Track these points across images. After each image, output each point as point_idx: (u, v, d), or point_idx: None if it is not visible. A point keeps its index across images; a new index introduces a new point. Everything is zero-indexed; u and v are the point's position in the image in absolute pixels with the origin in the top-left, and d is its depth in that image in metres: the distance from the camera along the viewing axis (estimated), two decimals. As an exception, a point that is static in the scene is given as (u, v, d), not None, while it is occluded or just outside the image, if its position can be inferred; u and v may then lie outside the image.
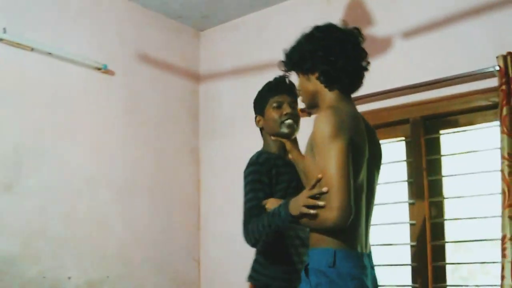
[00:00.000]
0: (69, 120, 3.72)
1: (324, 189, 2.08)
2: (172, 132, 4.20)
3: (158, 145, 4.20)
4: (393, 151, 3.65)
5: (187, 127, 4.49)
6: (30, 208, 3.44)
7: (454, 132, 3.46)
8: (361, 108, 3.61)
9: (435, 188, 3.45)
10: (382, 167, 2.55)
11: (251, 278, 2.90)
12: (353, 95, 3.62)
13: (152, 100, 4.29)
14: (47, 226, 3.51)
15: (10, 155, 3.38)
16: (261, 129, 3.02)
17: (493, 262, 3.18)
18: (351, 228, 2.17)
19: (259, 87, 4.17)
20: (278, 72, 4.06)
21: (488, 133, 3.31)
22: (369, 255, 2.36)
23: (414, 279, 3.46)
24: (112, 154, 3.95)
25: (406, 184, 3.56)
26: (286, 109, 2.90)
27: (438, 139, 3.49)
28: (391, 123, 3.63)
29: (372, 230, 3.52)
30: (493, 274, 3.42)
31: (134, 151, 4.09)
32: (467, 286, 3.48)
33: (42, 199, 3.50)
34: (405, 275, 3.56)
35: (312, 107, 2.59)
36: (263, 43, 4.28)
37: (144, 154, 4.15)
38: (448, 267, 3.41)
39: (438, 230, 3.41)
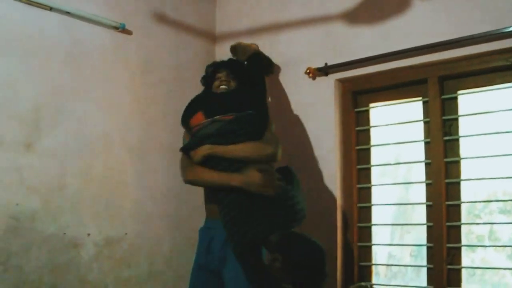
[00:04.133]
0: (86, 79, 3.73)
1: None
2: (188, 92, 4.18)
3: (174, 105, 4.17)
4: (411, 111, 3.65)
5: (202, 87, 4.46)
6: (49, 166, 3.48)
7: (472, 92, 3.43)
8: (378, 67, 3.64)
9: (452, 149, 3.45)
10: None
11: None
12: (369, 55, 3.63)
13: (168, 60, 4.28)
14: (66, 184, 3.56)
15: (29, 114, 3.42)
16: None
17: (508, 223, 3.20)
18: None
19: (275, 47, 4.18)
20: (294, 33, 4.09)
21: (506, 94, 3.29)
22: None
23: (428, 239, 3.48)
24: (128, 114, 3.97)
25: (423, 144, 3.56)
26: None
27: (455, 99, 3.47)
28: (409, 83, 3.61)
29: (389, 189, 3.61)
30: (503, 241, 3.45)
31: (149, 110, 4.10)
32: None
33: (60, 157, 3.54)
34: (421, 235, 3.60)
35: None
36: (279, 3, 4.24)
37: (159, 113, 4.16)
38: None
39: (454, 190, 3.42)
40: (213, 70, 3.53)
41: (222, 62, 3.59)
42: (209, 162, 3.11)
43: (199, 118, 3.29)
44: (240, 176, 3.01)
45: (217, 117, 3.19)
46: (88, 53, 3.76)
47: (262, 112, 3.28)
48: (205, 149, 3.12)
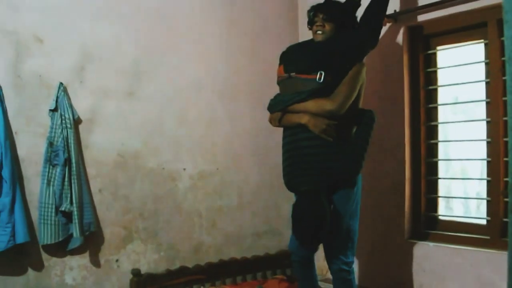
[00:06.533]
0: (179, 34, 4.20)
1: None
2: (271, 42, 4.53)
3: (258, 54, 4.59)
4: (473, 53, 3.84)
5: (286, 37, 4.70)
6: (149, 111, 4.04)
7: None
8: (439, 13, 3.82)
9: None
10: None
11: None
12: (432, 0, 3.77)
13: (253, 11, 4.63)
14: (164, 126, 4.11)
15: (130, 67, 3.96)
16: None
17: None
18: None
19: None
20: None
21: None
22: None
23: (488, 154, 3.73)
24: (217, 62, 4.40)
25: (484, 84, 3.76)
26: None
27: (515, 41, 3.60)
28: (470, 27, 3.78)
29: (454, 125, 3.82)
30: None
31: (237, 59, 4.50)
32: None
33: (158, 103, 4.08)
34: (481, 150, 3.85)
35: None
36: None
37: (246, 62, 4.55)
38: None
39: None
40: (312, 15, 3.54)
41: (318, 5, 3.56)
42: None
43: (280, 71, 3.54)
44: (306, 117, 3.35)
45: (293, 74, 3.42)
46: (178, 11, 4.21)
47: (344, 63, 3.40)
48: (275, 116, 3.59)
